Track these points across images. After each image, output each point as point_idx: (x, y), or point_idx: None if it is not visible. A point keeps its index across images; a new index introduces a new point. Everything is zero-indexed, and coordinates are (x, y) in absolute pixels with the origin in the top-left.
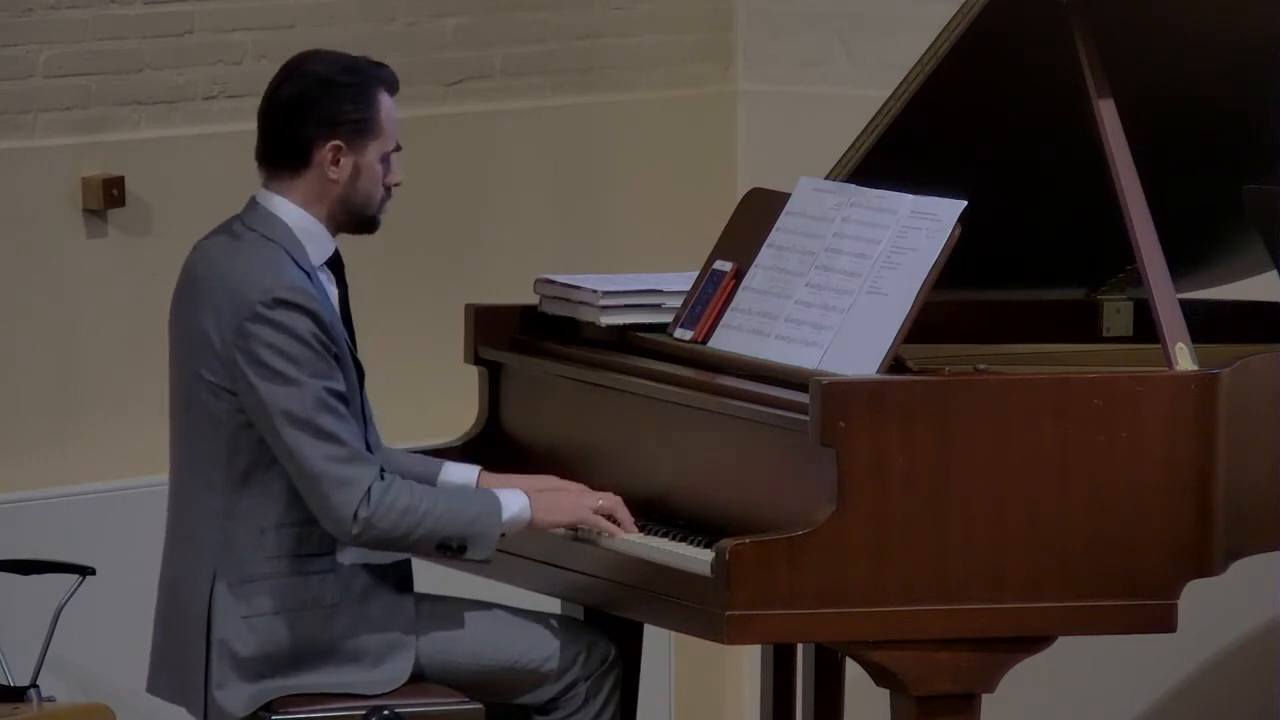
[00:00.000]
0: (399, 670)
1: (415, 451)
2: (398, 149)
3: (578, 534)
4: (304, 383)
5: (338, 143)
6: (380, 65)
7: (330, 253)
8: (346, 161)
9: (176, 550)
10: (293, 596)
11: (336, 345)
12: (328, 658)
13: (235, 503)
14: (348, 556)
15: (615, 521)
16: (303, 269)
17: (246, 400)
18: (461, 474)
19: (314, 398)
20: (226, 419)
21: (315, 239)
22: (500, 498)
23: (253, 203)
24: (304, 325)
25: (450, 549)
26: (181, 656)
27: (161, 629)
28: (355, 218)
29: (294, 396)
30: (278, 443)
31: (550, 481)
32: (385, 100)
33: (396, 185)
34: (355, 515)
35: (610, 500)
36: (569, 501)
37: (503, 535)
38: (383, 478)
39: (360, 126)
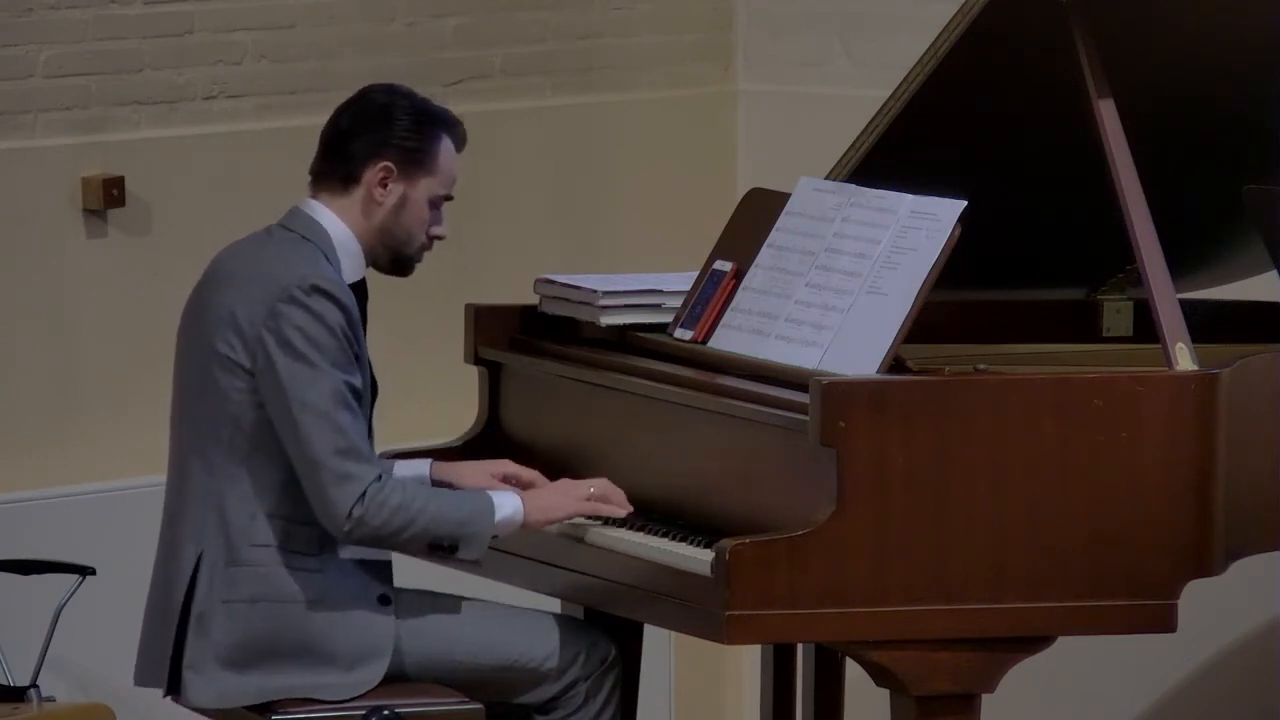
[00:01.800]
0: (369, 678)
1: (416, 451)
2: (449, 198)
3: (576, 530)
4: (325, 371)
5: (389, 164)
6: (456, 118)
7: (359, 276)
8: (395, 188)
9: (168, 535)
10: (273, 588)
11: (359, 346)
12: (299, 655)
13: (231, 486)
14: (347, 553)
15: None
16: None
17: (264, 380)
18: (412, 469)
19: (332, 388)
20: (236, 397)
21: (351, 256)
22: (494, 499)
23: (294, 211)
24: (335, 316)
25: (442, 549)
26: (162, 635)
27: (149, 613)
28: (391, 253)
29: (313, 383)
30: (287, 426)
31: (504, 467)
32: (447, 145)
33: (439, 238)
34: (349, 513)
35: (600, 485)
36: (559, 498)
37: (494, 536)
38: (380, 479)
39: (415, 157)
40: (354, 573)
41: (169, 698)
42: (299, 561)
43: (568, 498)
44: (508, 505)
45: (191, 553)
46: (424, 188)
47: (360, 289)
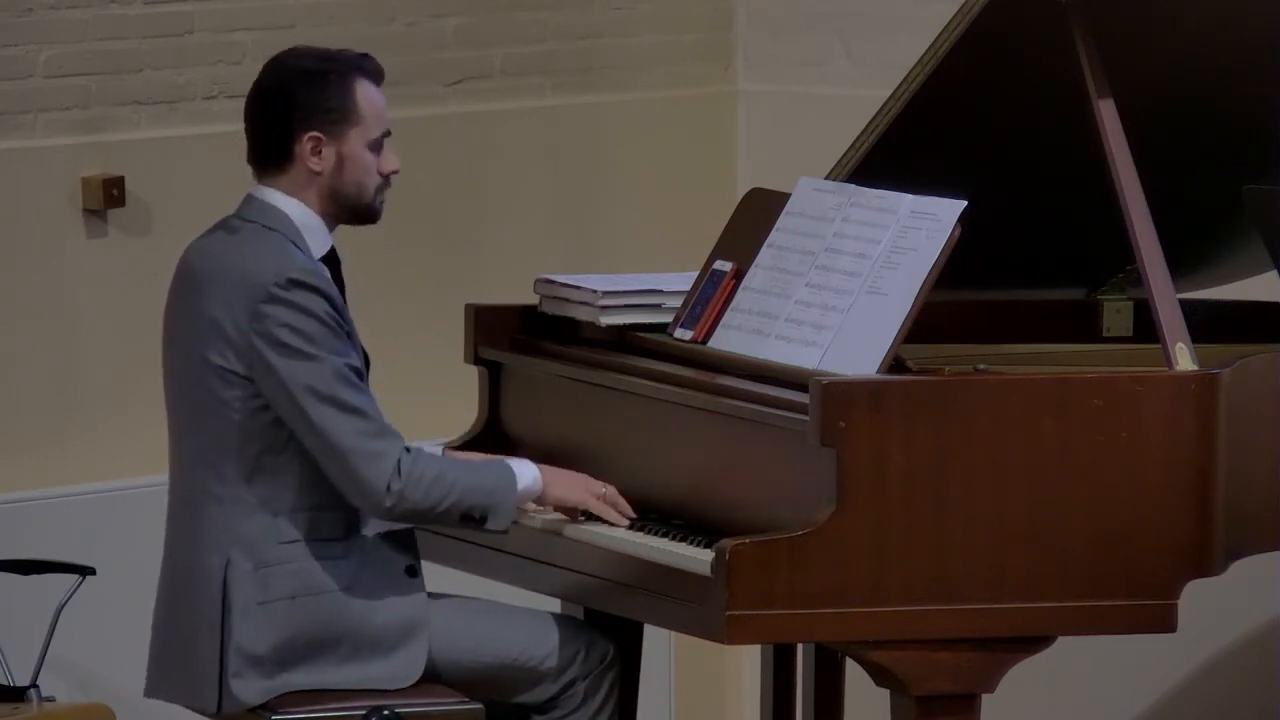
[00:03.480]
0: (415, 659)
1: None
2: (387, 134)
3: (572, 523)
4: (324, 359)
5: (315, 134)
6: (360, 55)
7: (327, 248)
8: (328, 152)
9: (181, 546)
10: (308, 580)
11: (348, 324)
12: (343, 644)
13: (248, 490)
14: (371, 529)
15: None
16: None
17: (265, 383)
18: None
19: (335, 372)
20: (239, 405)
21: (313, 232)
22: (514, 468)
23: (249, 199)
24: (319, 305)
25: (474, 519)
26: (190, 651)
27: (165, 628)
28: (350, 208)
29: (315, 372)
30: (302, 421)
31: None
32: (364, 88)
33: (394, 173)
34: (388, 488)
35: (612, 491)
36: (575, 483)
37: (518, 505)
38: (408, 450)
39: (336, 116)
40: (379, 550)
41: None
42: (327, 550)
43: (583, 489)
44: (527, 475)
45: (215, 562)
46: (356, 138)
47: (332, 259)
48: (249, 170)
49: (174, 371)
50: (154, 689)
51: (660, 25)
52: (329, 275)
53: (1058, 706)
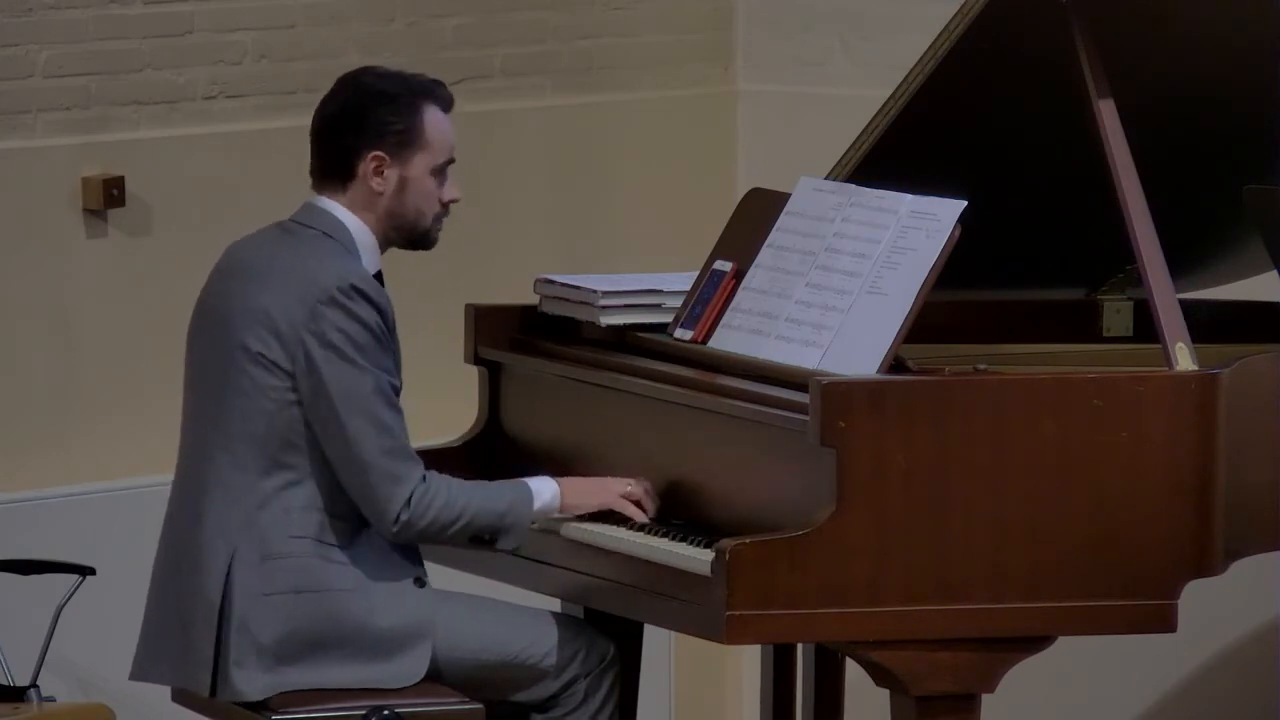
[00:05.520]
0: (416, 663)
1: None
2: (450, 162)
3: (571, 523)
4: (369, 370)
5: (379, 154)
6: (433, 81)
7: (376, 269)
8: (391, 174)
9: (186, 530)
10: (314, 577)
11: (395, 345)
12: (346, 644)
13: (265, 481)
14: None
15: (641, 507)
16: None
17: (305, 382)
18: None
19: (375, 387)
20: (273, 395)
21: (367, 250)
22: (532, 486)
23: (307, 206)
24: (373, 317)
25: (483, 540)
26: (187, 634)
27: (161, 611)
28: (406, 233)
29: (358, 382)
30: (333, 425)
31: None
32: (432, 114)
33: (453, 201)
34: (397, 516)
35: (638, 487)
36: (595, 487)
37: (533, 523)
38: (424, 479)
39: (402, 138)
40: (388, 557)
41: (190, 698)
42: (335, 554)
43: (604, 490)
44: (546, 492)
45: (222, 549)
46: (420, 164)
47: (378, 282)
48: (249, 170)
49: (201, 357)
50: (142, 671)
51: (660, 25)
52: (386, 291)
53: (1058, 706)
